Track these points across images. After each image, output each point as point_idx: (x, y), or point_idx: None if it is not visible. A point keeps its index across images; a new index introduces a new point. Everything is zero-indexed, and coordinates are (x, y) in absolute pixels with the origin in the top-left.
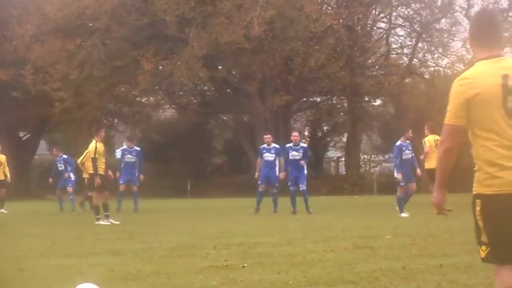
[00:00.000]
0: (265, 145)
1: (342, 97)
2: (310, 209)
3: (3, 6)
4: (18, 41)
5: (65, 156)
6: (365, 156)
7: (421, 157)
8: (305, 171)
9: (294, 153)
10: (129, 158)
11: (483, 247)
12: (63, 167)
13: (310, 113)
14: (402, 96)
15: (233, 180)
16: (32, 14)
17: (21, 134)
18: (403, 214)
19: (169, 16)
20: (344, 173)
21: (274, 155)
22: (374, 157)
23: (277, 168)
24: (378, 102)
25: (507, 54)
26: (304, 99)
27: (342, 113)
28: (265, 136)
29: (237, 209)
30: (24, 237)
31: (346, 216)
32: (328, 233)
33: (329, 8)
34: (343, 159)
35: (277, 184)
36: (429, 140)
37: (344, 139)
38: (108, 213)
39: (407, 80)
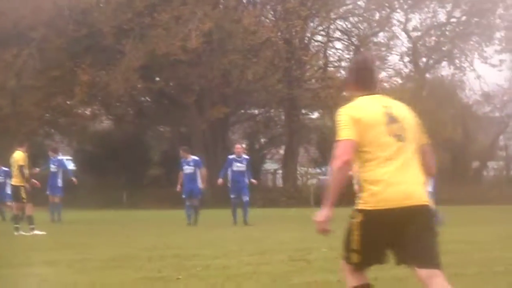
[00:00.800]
0: (184, 159)
1: (280, 110)
2: (248, 222)
3: None
4: None
5: (5, 169)
6: (302, 168)
7: None
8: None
9: (238, 164)
10: (52, 168)
11: (354, 254)
12: (3, 180)
13: (248, 125)
14: (338, 109)
15: (170, 192)
16: None
17: None
18: None
19: (106, 27)
20: (281, 185)
21: (193, 167)
22: (311, 170)
23: (198, 180)
24: (315, 115)
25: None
26: (242, 111)
27: (279, 126)
28: (181, 149)
29: (173, 221)
30: None
31: (282, 228)
32: (264, 246)
33: (267, 20)
34: (280, 171)
35: (199, 197)
36: None
37: (282, 151)
38: (33, 226)
39: (344, 93)
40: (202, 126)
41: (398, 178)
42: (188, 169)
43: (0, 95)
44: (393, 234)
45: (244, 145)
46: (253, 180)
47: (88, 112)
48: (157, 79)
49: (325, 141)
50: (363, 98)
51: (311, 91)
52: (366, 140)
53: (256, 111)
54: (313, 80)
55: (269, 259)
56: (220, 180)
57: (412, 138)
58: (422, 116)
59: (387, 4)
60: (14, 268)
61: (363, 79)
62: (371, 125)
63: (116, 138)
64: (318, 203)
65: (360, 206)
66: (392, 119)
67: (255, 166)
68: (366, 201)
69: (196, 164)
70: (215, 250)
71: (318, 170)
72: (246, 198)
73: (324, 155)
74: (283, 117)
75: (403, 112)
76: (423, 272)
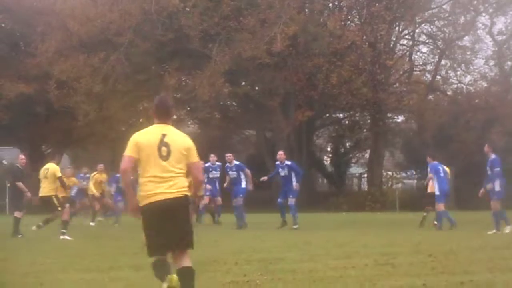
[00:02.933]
0: (228, 164)
1: (365, 114)
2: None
3: (27, 22)
4: (42, 57)
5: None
6: (388, 172)
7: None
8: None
9: (230, 172)
10: None
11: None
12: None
13: (333, 129)
14: (425, 113)
15: (255, 195)
16: (55, 29)
17: (44, 148)
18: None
19: (193, 31)
20: (366, 189)
21: (236, 172)
22: (397, 174)
23: (243, 182)
24: (400, 118)
25: None
26: (327, 115)
27: (364, 130)
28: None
29: (259, 225)
30: (47, 251)
31: (368, 232)
32: (349, 250)
33: (353, 24)
34: (365, 175)
35: (241, 196)
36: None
37: (367, 155)
38: (65, 231)
39: (429, 97)
40: (287, 129)
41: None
42: (232, 174)
43: (87, 100)
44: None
45: (329, 148)
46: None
47: (174, 116)
48: (243, 83)
49: (410, 145)
50: (153, 126)
51: (396, 94)
52: (142, 158)
53: (341, 115)
54: (398, 84)
55: (355, 263)
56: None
57: (177, 158)
58: (507, 119)
59: (472, 8)
60: (102, 272)
61: (159, 113)
62: (146, 146)
63: (202, 142)
64: (403, 207)
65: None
66: (163, 143)
67: (340, 170)
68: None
69: (238, 169)
70: (301, 254)
71: (403, 174)
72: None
73: (409, 159)
74: (368, 121)
75: (176, 138)
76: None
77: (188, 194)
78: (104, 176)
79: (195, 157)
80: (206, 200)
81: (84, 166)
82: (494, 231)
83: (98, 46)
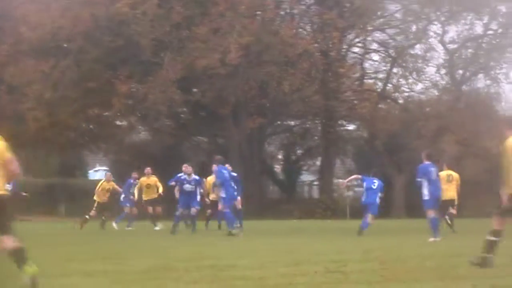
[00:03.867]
0: (186, 175)
1: (316, 121)
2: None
3: None
4: None
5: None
6: (339, 180)
7: None
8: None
9: (188, 185)
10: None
11: None
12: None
13: (284, 137)
14: (376, 120)
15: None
16: (7, 34)
17: None
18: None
19: (144, 39)
20: (317, 197)
21: (194, 186)
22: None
23: (197, 197)
24: (351, 126)
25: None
26: (278, 122)
27: (316, 137)
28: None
29: (208, 231)
30: None
31: (318, 240)
32: (300, 257)
33: (305, 32)
34: (316, 183)
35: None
36: (441, 174)
37: (318, 163)
38: None
39: (381, 105)
40: (239, 137)
41: None
42: (188, 187)
43: (38, 106)
44: None
45: (280, 156)
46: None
47: (125, 123)
48: (195, 90)
49: (361, 153)
50: None
51: (348, 102)
52: None
53: (293, 123)
54: (350, 92)
55: (305, 270)
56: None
57: None
58: (458, 127)
59: (424, 16)
60: (50, 278)
61: None
62: None
63: (153, 149)
64: (354, 214)
65: None
66: None
67: (291, 177)
68: None
69: (196, 183)
70: (251, 261)
71: (354, 182)
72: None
73: (360, 167)
74: (319, 128)
75: None
76: None
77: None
78: (111, 184)
79: (8, 154)
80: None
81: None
82: (433, 239)
83: (48, 52)
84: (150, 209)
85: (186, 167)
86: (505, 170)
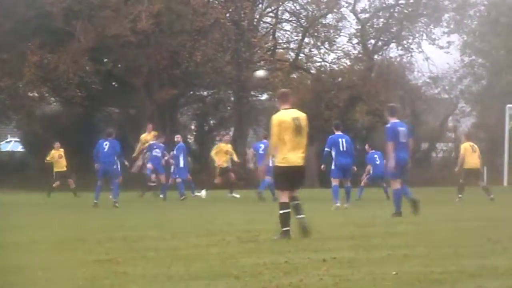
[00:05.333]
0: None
1: (229, 92)
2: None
3: None
4: None
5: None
6: (251, 150)
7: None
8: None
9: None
10: None
11: None
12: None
13: (197, 107)
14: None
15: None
16: None
17: None
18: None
19: (56, 8)
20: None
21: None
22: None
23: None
24: (264, 96)
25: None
26: (191, 93)
27: (229, 107)
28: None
29: (122, 203)
30: None
31: (231, 210)
32: (212, 227)
33: (216, 2)
34: None
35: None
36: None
37: (231, 133)
38: None
39: (293, 75)
40: (151, 108)
41: None
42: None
43: None
44: None
45: (193, 127)
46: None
47: (36, 94)
48: (105, 60)
49: None
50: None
51: None
52: None
53: (205, 93)
54: (262, 62)
55: (217, 241)
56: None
57: None
58: (370, 97)
59: None
60: None
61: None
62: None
63: (64, 120)
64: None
65: None
66: None
67: (204, 148)
68: None
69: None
70: (164, 232)
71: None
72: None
73: None
74: (232, 99)
75: None
76: None
77: None
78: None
79: None
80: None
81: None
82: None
83: None
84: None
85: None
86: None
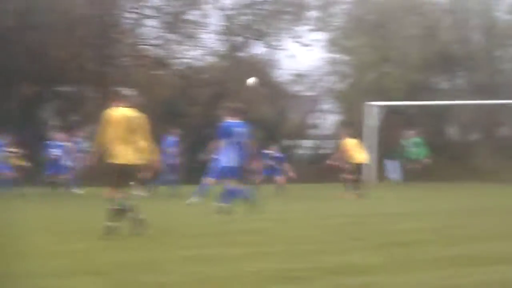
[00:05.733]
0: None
1: (92, 87)
2: None
3: None
4: None
5: None
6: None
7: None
8: None
9: None
10: None
11: None
12: None
13: (60, 103)
14: (152, 87)
15: None
16: None
17: None
18: None
19: None
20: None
21: None
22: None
23: None
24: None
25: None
26: (54, 89)
27: (92, 103)
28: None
29: None
30: None
31: (92, 206)
32: (73, 225)
33: None
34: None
35: None
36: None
37: (95, 129)
38: None
39: (157, 71)
40: (12, 104)
41: None
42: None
43: None
44: None
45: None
46: None
47: None
48: None
49: None
50: None
51: (123, 68)
52: None
53: (68, 89)
54: (125, 58)
55: (78, 238)
56: None
57: None
58: (234, 94)
59: None
60: None
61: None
62: None
63: None
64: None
65: None
66: None
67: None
68: None
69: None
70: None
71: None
72: None
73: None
74: (95, 95)
75: None
76: None
77: None
78: None
79: None
80: None
81: None
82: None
83: None
84: None
85: None
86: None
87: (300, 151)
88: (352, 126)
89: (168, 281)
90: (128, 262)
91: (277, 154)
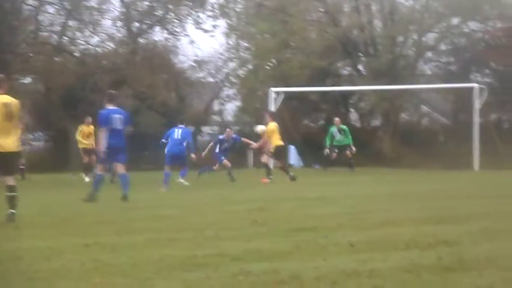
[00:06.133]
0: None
1: None
2: None
3: None
4: None
5: None
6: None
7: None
8: None
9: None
10: None
11: None
12: None
13: None
14: (52, 74)
15: None
16: None
17: None
18: None
19: None
20: None
21: None
22: (24, 136)
23: None
24: (27, 80)
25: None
26: None
27: None
28: None
29: None
30: None
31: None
32: None
33: None
34: None
35: None
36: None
37: None
38: None
39: (57, 58)
40: None
41: None
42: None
43: None
44: None
45: None
46: None
47: None
48: None
49: (38, 107)
50: None
51: (22, 56)
52: None
53: None
54: (24, 45)
55: None
56: None
57: None
58: (135, 81)
59: None
60: None
61: None
62: None
63: None
64: (32, 169)
65: None
66: None
67: None
68: None
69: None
70: None
71: (31, 136)
72: None
73: (37, 121)
74: None
75: None
76: None
77: None
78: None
79: None
80: None
81: None
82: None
83: None
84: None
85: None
86: None
87: (203, 138)
88: (249, 112)
89: (65, 268)
90: (25, 250)
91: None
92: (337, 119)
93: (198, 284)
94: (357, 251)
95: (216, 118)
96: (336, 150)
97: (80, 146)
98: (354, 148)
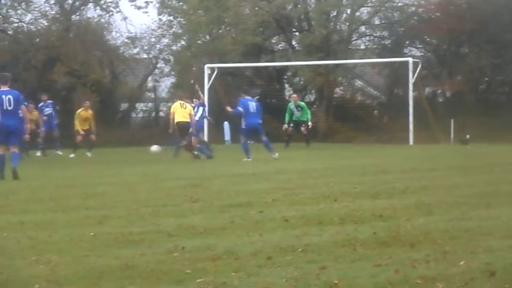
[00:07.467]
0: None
1: None
2: None
3: None
4: None
5: None
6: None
7: None
8: None
9: None
10: None
11: None
12: None
13: None
14: None
15: None
16: None
17: None
18: None
19: None
20: None
21: None
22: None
23: None
24: None
25: None
26: None
27: None
28: None
29: None
30: None
31: None
32: None
33: None
34: None
35: None
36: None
37: None
38: None
39: None
40: None
41: None
42: None
43: None
44: None
45: None
46: None
47: None
48: None
49: None
50: None
51: None
52: None
53: None
54: None
55: None
56: None
57: None
58: (69, 58)
59: None
60: None
61: None
62: None
63: None
64: None
65: None
66: None
67: None
68: None
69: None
70: None
71: None
72: None
73: None
74: None
75: None
76: None
77: None
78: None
79: None
80: None
81: None
82: None
83: None
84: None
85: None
86: None
87: (136, 114)
88: (183, 88)
89: (1, 246)
90: None
91: None
92: (294, 96)
93: (133, 260)
94: (292, 226)
95: (150, 94)
96: (292, 125)
97: None
98: (310, 124)
